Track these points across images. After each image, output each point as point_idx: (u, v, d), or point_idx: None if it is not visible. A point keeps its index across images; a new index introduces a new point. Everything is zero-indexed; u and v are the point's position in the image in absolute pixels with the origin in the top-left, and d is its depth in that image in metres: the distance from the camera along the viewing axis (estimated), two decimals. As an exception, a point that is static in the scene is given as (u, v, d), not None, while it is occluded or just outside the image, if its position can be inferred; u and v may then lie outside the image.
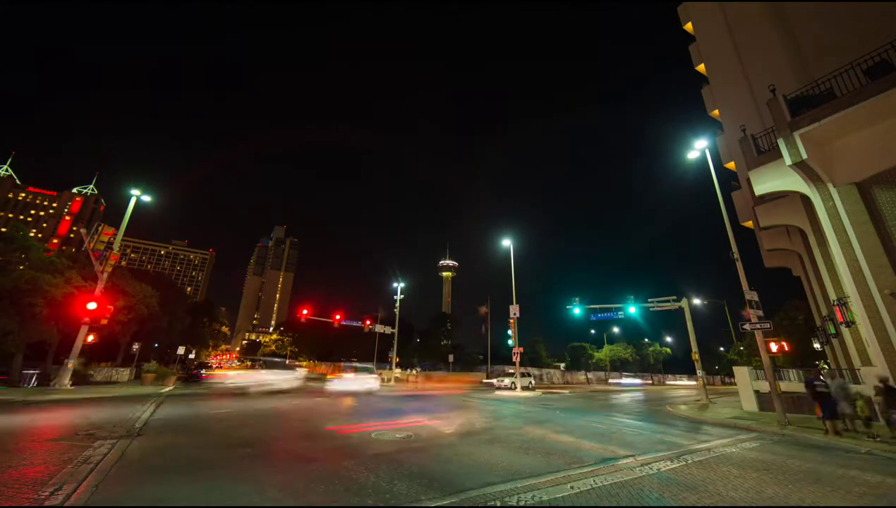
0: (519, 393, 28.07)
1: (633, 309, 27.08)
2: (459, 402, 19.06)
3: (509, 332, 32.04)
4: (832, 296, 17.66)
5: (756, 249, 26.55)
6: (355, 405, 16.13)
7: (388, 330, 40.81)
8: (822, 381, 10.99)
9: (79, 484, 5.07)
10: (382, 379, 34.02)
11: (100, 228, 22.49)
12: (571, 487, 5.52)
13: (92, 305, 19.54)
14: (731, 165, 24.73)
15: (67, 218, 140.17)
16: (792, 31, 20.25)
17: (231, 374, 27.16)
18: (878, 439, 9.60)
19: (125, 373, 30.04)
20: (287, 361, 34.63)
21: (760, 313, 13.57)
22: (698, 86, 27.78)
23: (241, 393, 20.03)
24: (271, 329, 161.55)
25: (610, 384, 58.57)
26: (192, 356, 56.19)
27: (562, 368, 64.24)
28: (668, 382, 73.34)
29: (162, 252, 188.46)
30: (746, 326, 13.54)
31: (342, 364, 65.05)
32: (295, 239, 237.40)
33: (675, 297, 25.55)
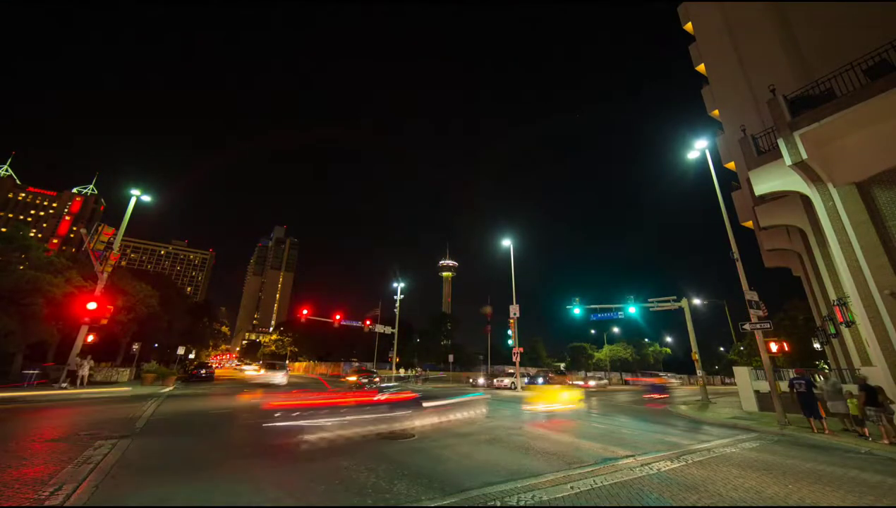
0: (519, 392, 28.06)
1: (633, 309, 27.08)
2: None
3: (509, 332, 32.05)
4: (832, 296, 17.65)
5: (756, 249, 26.56)
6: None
7: (387, 330, 40.75)
8: (803, 380, 11.33)
9: (79, 484, 5.08)
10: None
11: (100, 228, 22.50)
12: (571, 487, 5.53)
13: (92, 305, 19.53)
14: (731, 165, 24.71)
15: (67, 218, 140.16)
16: (792, 31, 20.23)
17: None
18: (870, 438, 9.77)
19: (125, 373, 29.98)
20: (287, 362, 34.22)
21: (760, 313, 13.56)
22: (698, 86, 27.78)
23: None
24: (271, 329, 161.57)
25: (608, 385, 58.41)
26: (191, 356, 56.18)
27: (562, 368, 64.29)
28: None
29: (162, 252, 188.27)
30: (746, 326, 13.52)
31: (342, 364, 64.98)
32: (295, 239, 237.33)
33: (675, 297, 25.56)
